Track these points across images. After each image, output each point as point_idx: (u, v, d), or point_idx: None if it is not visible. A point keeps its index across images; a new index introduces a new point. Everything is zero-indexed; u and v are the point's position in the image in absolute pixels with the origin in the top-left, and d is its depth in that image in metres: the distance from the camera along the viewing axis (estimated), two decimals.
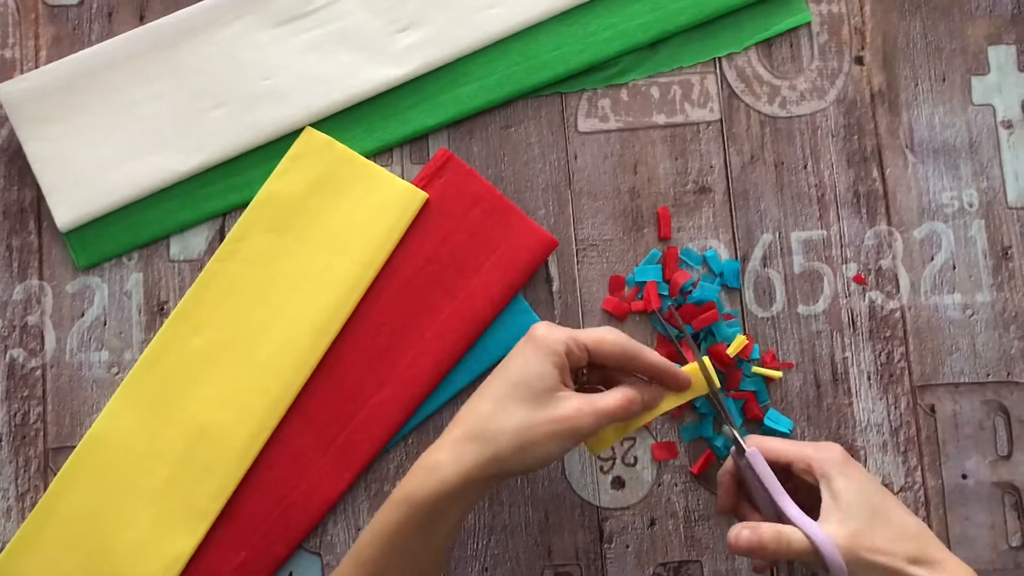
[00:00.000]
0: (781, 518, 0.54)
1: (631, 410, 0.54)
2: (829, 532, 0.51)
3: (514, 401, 0.52)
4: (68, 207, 0.66)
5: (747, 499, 0.59)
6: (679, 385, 0.56)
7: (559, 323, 0.66)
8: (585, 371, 0.57)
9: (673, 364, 0.56)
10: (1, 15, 0.69)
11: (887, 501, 0.54)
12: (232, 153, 0.68)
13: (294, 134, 0.68)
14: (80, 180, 0.67)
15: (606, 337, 0.55)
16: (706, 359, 0.57)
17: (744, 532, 0.52)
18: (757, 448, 0.56)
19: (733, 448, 0.58)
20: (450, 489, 0.51)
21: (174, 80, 0.68)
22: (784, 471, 0.57)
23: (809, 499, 0.55)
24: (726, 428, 0.57)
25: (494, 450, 0.51)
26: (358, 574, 0.52)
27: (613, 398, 0.54)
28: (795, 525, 0.52)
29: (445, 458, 0.52)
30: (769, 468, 0.56)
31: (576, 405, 0.52)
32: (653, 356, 0.55)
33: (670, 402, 0.57)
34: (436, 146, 0.68)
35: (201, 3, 0.68)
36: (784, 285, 0.67)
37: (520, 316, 0.66)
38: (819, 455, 0.55)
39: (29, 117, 0.67)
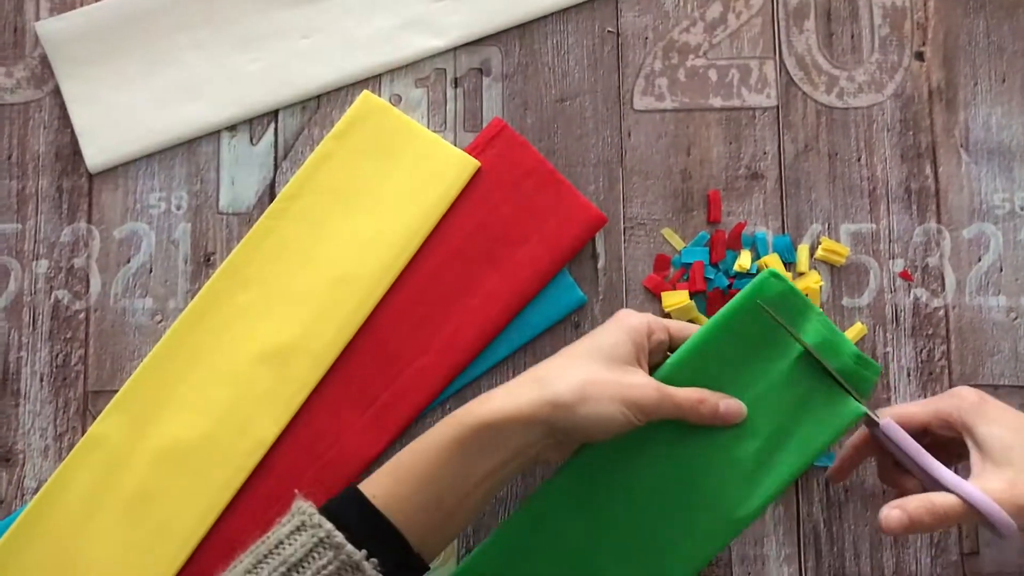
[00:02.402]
0: (934, 482, 0.52)
1: (700, 411, 0.53)
2: (985, 487, 0.49)
3: (585, 360, 0.52)
4: (99, 149, 0.67)
5: (894, 466, 0.57)
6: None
7: (601, 300, 0.66)
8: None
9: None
10: None
11: None
12: (265, 109, 0.68)
13: (327, 95, 0.68)
14: (114, 123, 0.67)
15: (692, 327, 0.56)
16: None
17: (893, 513, 0.51)
18: (890, 417, 0.54)
19: (863, 420, 0.55)
20: (500, 419, 0.50)
21: (214, 30, 0.68)
22: (923, 432, 0.55)
23: (961, 450, 0.53)
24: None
25: (552, 394, 0.50)
26: (392, 487, 0.51)
27: (686, 391, 0.53)
28: (948, 488, 0.50)
29: (501, 393, 0.52)
30: (908, 436, 0.53)
31: (645, 379, 0.52)
32: None
33: None
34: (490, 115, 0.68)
35: None
36: (830, 276, 0.67)
37: (564, 291, 0.66)
38: (953, 406, 0.53)
39: (67, 57, 0.67)
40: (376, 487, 0.51)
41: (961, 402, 0.54)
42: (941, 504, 0.50)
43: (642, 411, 0.52)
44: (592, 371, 0.51)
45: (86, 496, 0.63)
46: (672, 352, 0.56)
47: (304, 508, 0.50)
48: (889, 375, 0.66)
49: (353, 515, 0.50)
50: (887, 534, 0.52)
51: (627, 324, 0.54)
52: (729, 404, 0.54)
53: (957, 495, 0.50)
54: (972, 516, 0.50)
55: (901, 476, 0.57)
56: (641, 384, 0.52)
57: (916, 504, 0.51)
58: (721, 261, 0.66)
